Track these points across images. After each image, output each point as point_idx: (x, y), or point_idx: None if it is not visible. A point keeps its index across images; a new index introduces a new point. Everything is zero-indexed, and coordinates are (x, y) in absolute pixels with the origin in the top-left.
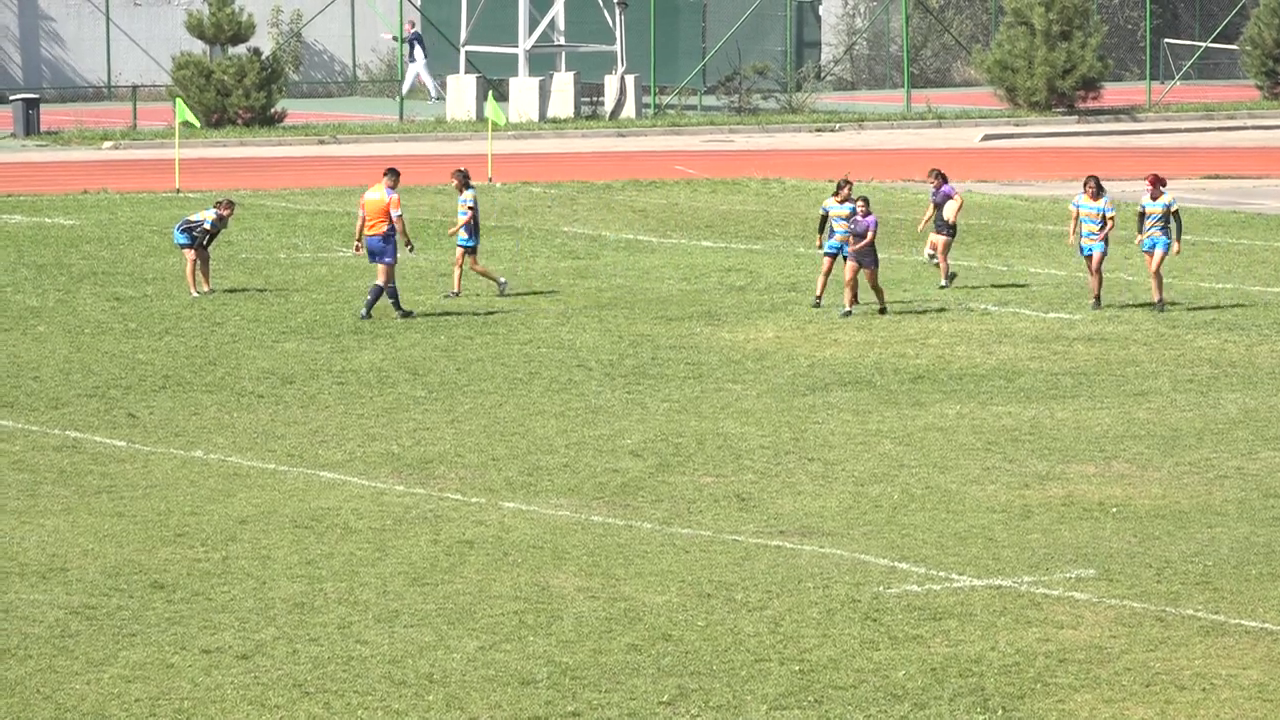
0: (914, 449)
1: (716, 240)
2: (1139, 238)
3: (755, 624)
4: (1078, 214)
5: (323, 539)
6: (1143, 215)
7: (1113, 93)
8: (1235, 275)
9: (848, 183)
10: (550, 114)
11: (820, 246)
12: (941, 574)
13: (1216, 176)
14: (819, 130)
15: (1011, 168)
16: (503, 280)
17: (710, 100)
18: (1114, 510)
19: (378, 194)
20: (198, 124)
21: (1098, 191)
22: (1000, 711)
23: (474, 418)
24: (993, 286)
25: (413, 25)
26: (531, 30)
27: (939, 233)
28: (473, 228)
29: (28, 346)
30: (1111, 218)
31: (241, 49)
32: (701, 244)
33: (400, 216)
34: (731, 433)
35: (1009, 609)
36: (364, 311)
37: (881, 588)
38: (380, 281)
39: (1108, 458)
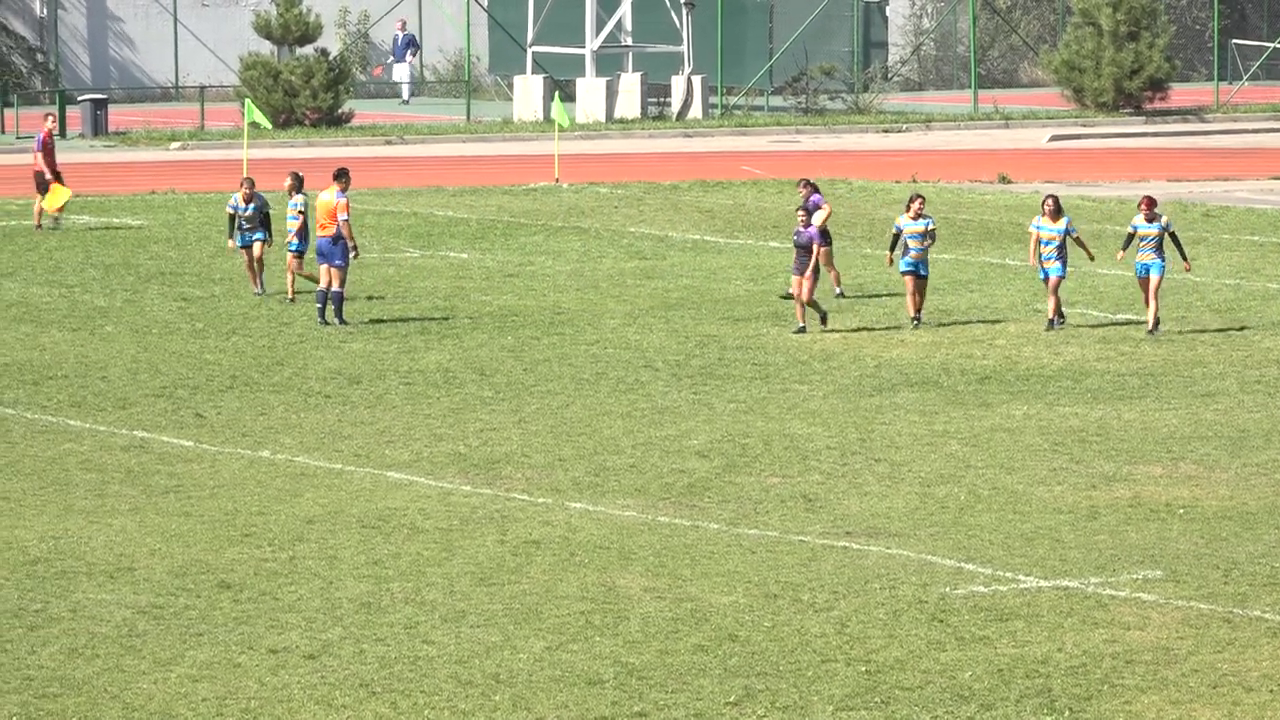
0: (981, 450)
1: (784, 241)
2: (1120, 254)
3: (822, 625)
4: (1038, 236)
5: (389, 539)
6: (1131, 236)
7: (1180, 93)
8: None
9: (920, 197)
10: (617, 114)
11: (891, 263)
12: (1008, 575)
13: None
14: (886, 131)
15: (1079, 169)
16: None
17: (777, 101)
18: (1181, 511)
19: (329, 196)
20: (269, 126)
21: (1057, 212)
22: (1067, 712)
23: (541, 418)
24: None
25: (403, 26)
26: (598, 31)
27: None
28: (302, 233)
29: (96, 346)
30: (1076, 238)
31: (309, 49)
32: (768, 245)
33: (347, 221)
34: (798, 433)
35: (1076, 610)
36: (319, 318)
37: (948, 588)
38: (323, 285)
39: (1175, 459)
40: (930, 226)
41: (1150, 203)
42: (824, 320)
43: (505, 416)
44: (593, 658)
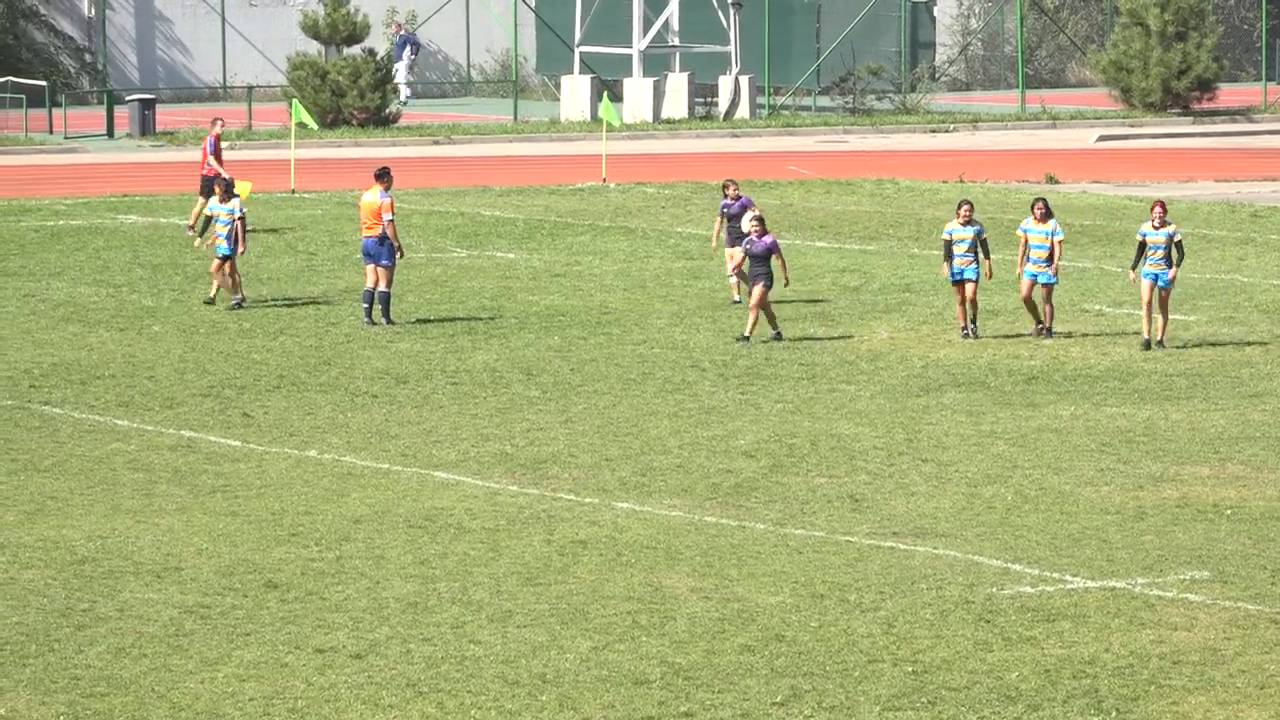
0: (1028, 450)
1: (830, 241)
2: (1133, 274)
3: (868, 625)
4: (1026, 239)
5: (436, 539)
6: (1143, 245)
7: (1228, 93)
8: None
9: (968, 202)
10: (664, 114)
11: (948, 275)
12: (1055, 575)
13: None
14: (933, 131)
15: (1126, 169)
16: (239, 296)
17: (824, 101)
18: (1229, 512)
19: (372, 196)
20: (316, 126)
21: (1045, 214)
22: (1114, 713)
23: (587, 418)
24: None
25: (399, 28)
26: (646, 31)
27: (734, 245)
28: (234, 237)
29: (143, 346)
30: (1060, 241)
31: (356, 49)
32: (815, 244)
33: (391, 221)
34: (845, 433)
35: (1123, 611)
36: (366, 318)
37: (995, 589)
38: (373, 285)
39: (1222, 459)
40: (982, 235)
41: (1163, 208)
42: (778, 338)
43: (552, 416)
44: (639, 658)
